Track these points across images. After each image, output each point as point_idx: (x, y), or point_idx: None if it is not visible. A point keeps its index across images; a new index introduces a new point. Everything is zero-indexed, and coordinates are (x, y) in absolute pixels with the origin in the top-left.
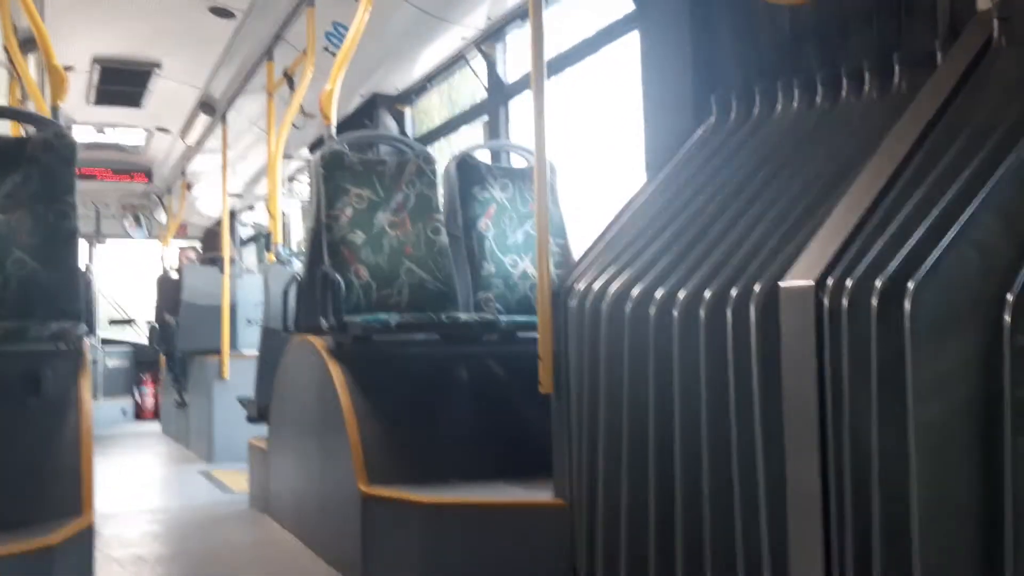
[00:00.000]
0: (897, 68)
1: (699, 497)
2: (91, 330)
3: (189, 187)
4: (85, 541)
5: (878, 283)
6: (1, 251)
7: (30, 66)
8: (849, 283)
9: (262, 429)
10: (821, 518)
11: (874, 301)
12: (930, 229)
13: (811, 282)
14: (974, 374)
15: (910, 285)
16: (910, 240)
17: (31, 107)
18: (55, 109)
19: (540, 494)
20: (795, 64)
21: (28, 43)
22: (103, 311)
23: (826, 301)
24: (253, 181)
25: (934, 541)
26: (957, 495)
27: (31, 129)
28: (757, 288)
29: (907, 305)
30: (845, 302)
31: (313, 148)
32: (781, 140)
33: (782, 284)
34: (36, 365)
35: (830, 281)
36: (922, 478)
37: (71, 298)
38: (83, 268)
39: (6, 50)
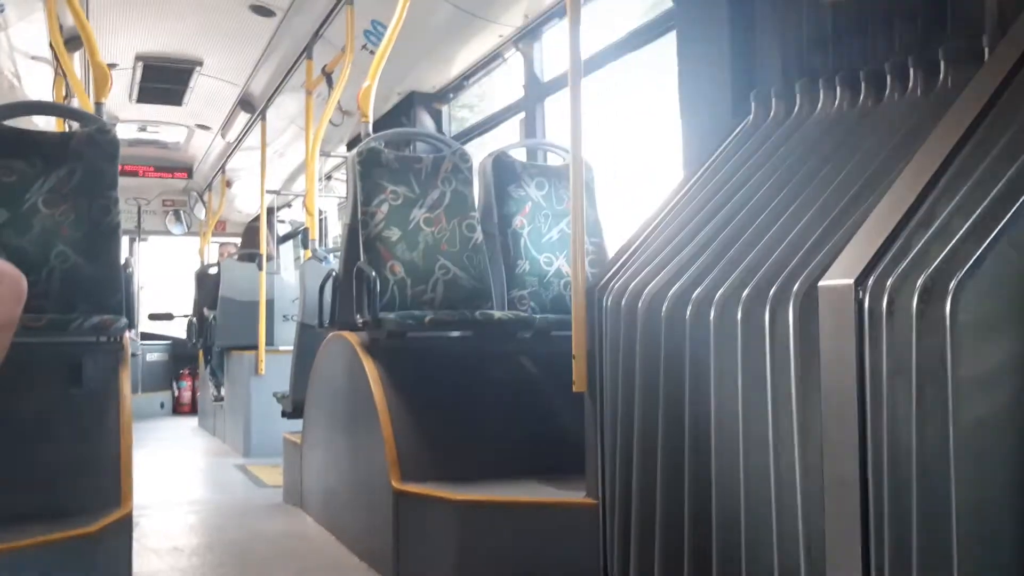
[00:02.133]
0: (943, 64)
1: (736, 498)
2: (131, 323)
3: (228, 184)
4: (124, 531)
5: (918, 283)
6: (45, 244)
7: (75, 63)
8: (889, 283)
9: (297, 424)
10: (859, 520)
11: (914, 301)
12: (972, 228)
13: (850, 282)
14: (1016, 374)
15: (951, 285)
16: (952, 240)
17: (75, 104)
18: (99, 106)
19: (572, 493)
20: (837, 61)
21: (73, 41)
22: (143, 305)
23: (866, 301)
24: (291, 178)
25: (974, 543)
26: (997, 497)
27: (75, 125)
28: (796, 288)
29: (948, 305)
30: (885, 302)
31: (350, 145)
32: (822, 138)
33: (821, 284)
34: (78, 357)
35: (870, 281)
36: (962, 479)
37: (112, 292)
38: (124, 262)
39: (52, 47)
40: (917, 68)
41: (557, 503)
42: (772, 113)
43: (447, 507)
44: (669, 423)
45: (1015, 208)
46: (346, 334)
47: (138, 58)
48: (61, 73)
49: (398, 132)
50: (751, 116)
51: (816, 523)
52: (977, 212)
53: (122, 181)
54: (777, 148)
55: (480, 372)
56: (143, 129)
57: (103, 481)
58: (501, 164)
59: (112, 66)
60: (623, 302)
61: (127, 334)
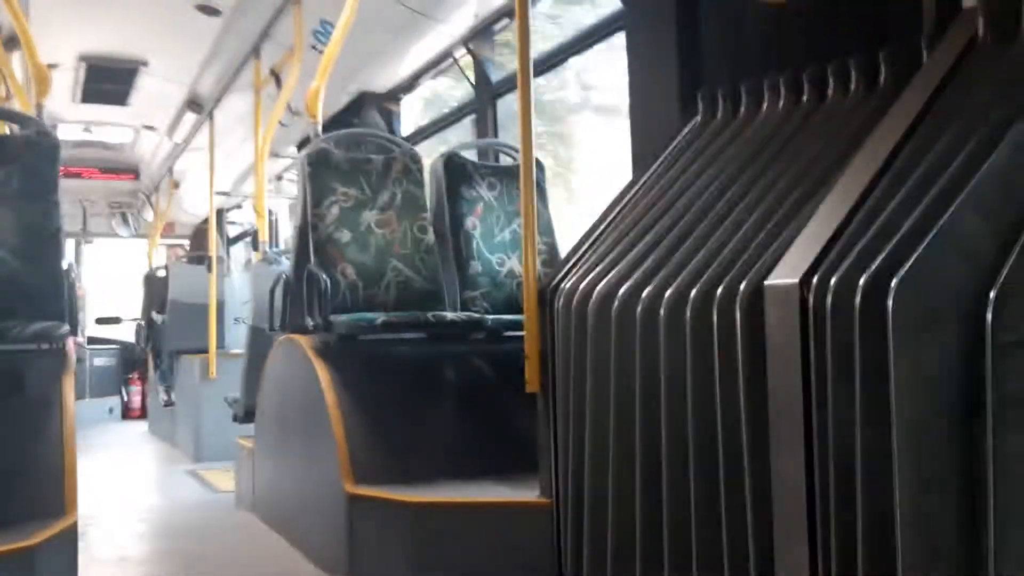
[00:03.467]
0: (883, 66)
1: (686, 495)
2: (74, 330)
3: (176, 185)
4: (68, 541)
5: (861, 281)
6: None
7: (14, 64)
8: (833, 282)
9: (249, 428)
10: (806, 516)
11: (857, 299)
12: (913, 227)
13: (795, 281)
14: (956, 372)
15: (893, 283)
16: (893, 239)
17: (15, 105)
18: (39, 107)
19: (526, 493)
20: (781, 62)
21: (12, 41)
22: (90, 309)
23: (810, 300)
24: (241, 179)
25: (917, 538)
26: (939, 492)
27: (15, 128)
28: (742, 287)
29: (890, 303)
30: (829, 300)
31: (301, 146)
32: (768, 139)
33: (767, 283)
34: (18, 365)
35: (814, 280)
36: (905, 475)
37: (54, 298)
38: (66, 267)
39: None
40: (859, 69)
41: (511, 503)
42: (719, 113)
43: (401, 509)
44: (620, 422)
45: (953, 207)
46: (297, 337)
47: (81, 58)
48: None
49: (348, 133)
50: (699, 116)
51: (765, 519)
52: (917, 211)
53: (67, 183)
54: (724, 149)
55: (433, 374)
56: (87, 130)
57: (45, 491)
58: (453, 165)
59: (54, 66)
60: (574, 302)
61: (70, 340)
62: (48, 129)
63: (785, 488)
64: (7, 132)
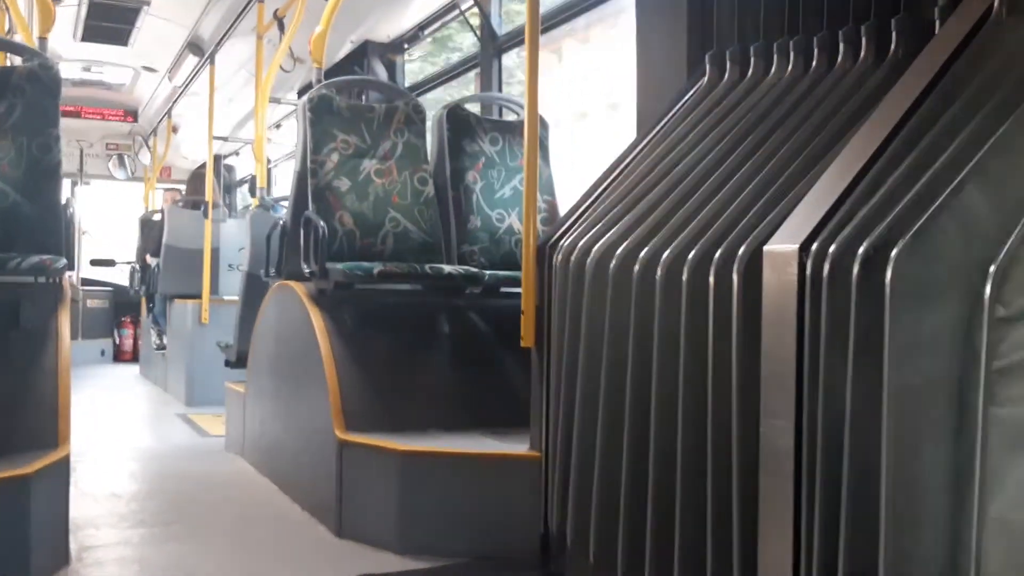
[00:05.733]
0: (895, 35)
1: (672, 454)
2: (71, 265)
3: (175, 129)
4: (60, 473)
5: (860, 250)
6: None
7: None
8: (832, 249)
9: (240, 374)
10: (792, 477)
11: (856, 267)
12: (916, 198)
13: (795, 247)
14: (950, 343)
15: (892, 253)
16: (894, 209)
17: (18, 39)
18: (42, 41)
19: (516, 446)
20: (792, 26)
21: None
22: (84, 252)
23: (809, 266)
24: (240, 125)
25: (902, 503)
26: (926, 461)
27: (16, 60)
28: (741, 251)
29: (888, 272)
30: (827, 268)
31: (301, 93)
32: (775, 103)
33: (766, 248)
34: (15, 297)
35: (814, 247)
36: (892, 442)
37: (52, 232)
38: (64, 202)
39: None
40: (869, 38)
41: (500, 455)
42: (727, 75)
43: (390, 457)
44: (612, 379)
45: (956, 181)
46: (293, 284)
47: None
48: (4, 7)
49: (351, 79)
50: (706, 78)
51: (750, 478)
52: (920, 183)
53: (64, 123)
54: (730, 111)
55: (428, 326)
56: (87, 69)
57: (40, 423)
58: (456, 117)
59: (57, 1)
60: (572, 260)
61: (67, 276)
62: (50, 62)
63: (773, 449)
64: (7, 64)
